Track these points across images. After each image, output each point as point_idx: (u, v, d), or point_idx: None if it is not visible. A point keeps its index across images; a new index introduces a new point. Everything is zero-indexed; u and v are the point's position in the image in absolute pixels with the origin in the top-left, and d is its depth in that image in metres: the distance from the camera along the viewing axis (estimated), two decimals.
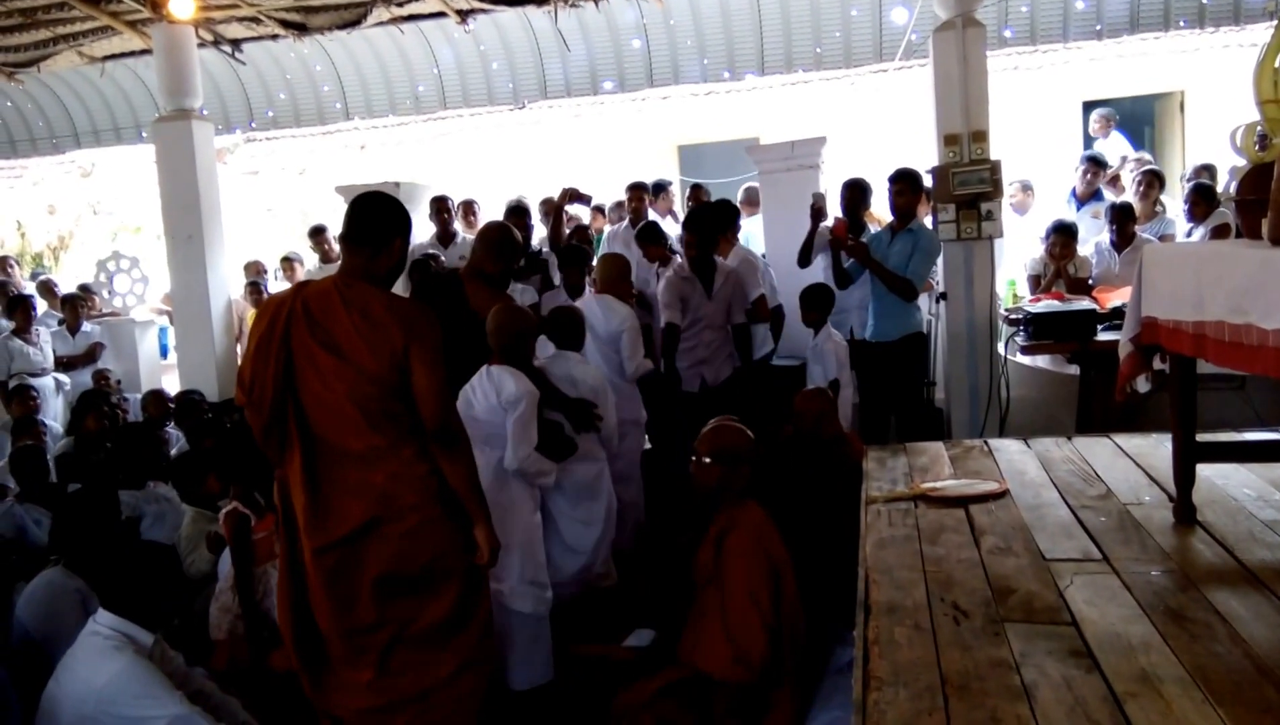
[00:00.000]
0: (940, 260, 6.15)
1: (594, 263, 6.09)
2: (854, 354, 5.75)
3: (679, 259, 5.85)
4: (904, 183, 5.54)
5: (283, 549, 3.05)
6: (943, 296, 6.19)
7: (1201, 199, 6.46)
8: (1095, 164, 7.34)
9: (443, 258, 6.93)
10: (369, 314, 2.84)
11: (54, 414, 7.32)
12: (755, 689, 3.19)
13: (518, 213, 6.97)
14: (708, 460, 3.42)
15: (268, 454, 3.02)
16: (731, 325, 5.63)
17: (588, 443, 4.27)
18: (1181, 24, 8.69)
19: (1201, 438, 3.00)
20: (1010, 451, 3.93)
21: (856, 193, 6.07)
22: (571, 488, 4.28)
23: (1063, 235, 6.40)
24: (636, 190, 7.41)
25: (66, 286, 9.52)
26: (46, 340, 8.09)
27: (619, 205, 7.98)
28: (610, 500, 4.43)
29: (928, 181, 5.96)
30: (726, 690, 3.18)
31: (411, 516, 2.91)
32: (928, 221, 6.03)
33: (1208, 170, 7.20)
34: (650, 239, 6.27)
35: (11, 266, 10.02)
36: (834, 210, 6.23)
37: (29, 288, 9.28)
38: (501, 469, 3.81)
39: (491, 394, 3.86)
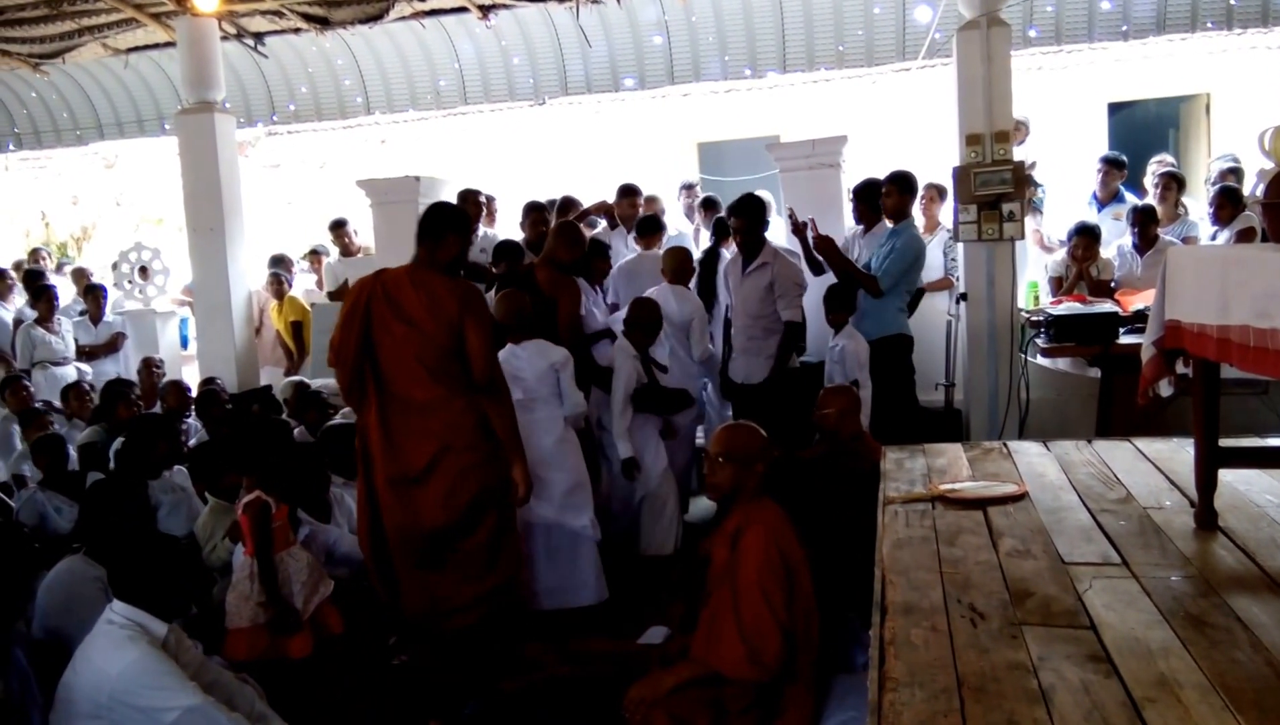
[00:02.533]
0: (961, 261, 6.15)
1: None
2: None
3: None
4: (892, 185, 5.84)
5: (361, 483, 3.83)
6: (963, 297, 6.16)
7: (1227, 201, 6.40)
8: (1112, 165, 7.29)
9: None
10: (432, 292, 3.70)
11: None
12: (769, 687, 3.18)
13: (565, 209, 7.12)
14: (721, 460, 3.43)
15: (350, 404, 3.93)
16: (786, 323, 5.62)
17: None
18: (1209, 25, 8.60)
19: (1224, 443, 2.97)
20: (1029, 454, 3.91)
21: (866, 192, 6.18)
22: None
23: (1085, 237, 6.37)
24: (629, 193, 7.48)
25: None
26: (68, 329, 8.16)
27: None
28: (660, 476, 5.34)
29: (949, 184, 5.98)
30: (740, 688, 3.18)
31: (463, 457, 3.71)
32: (946, 222, 6.05)
33: (1234, 173, 7.13)
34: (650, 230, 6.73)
35: (43, 257, 10.11)
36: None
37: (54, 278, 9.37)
38: (559, 422, 4.67)
39: (538, 361, 4.62)
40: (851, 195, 6.25)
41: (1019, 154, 6.37)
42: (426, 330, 3.68)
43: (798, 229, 6.01)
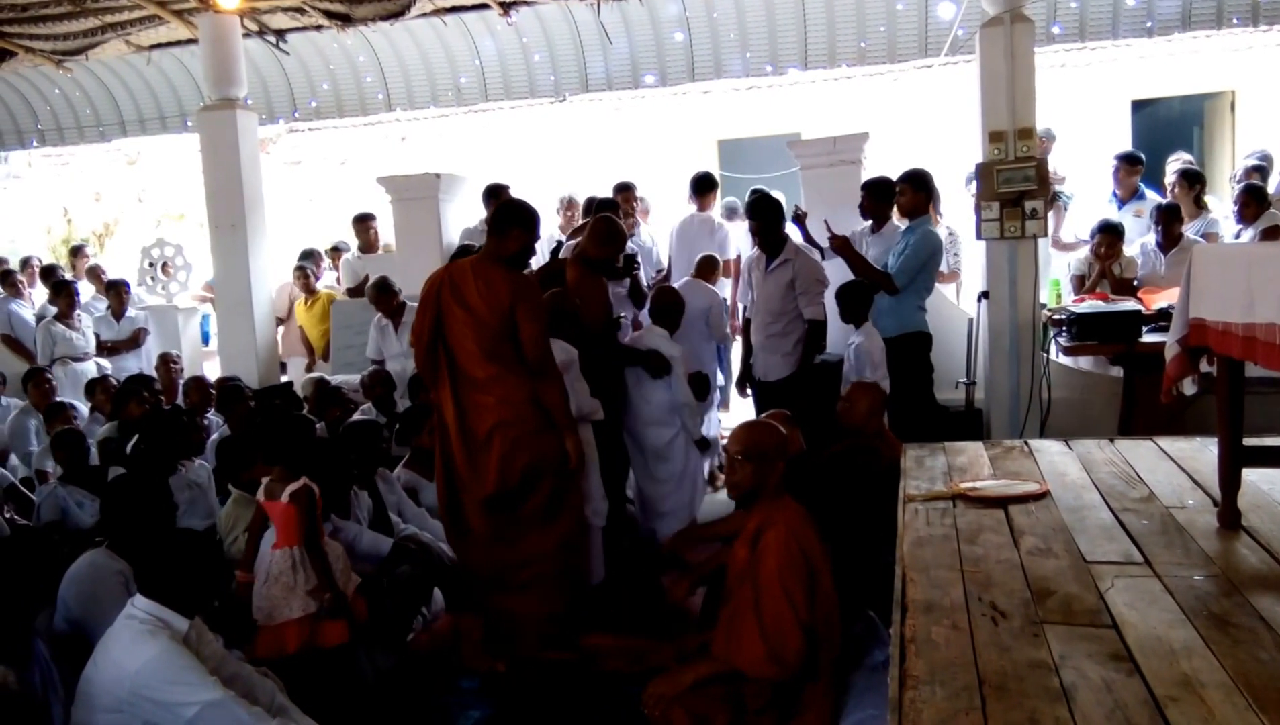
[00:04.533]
0: (983, 258, 6.12)
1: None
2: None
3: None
4: (906, 183, 5.89)
5: (438, 449, 4.28)
6: (984, 295, 6.13)
7: (1252, 200, 6.36)
8: (1128, 162, 7.25)
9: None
10: (490, 282, 4.10)
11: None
12: (789, 686, 3.18)
13: (610, 205, 6.97)
14: (740, 458, 3.42)
15: (425, 379, 4.35)
16: (808, 322, 5.67)
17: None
18: (1234, 21, 8.49)
19: (1248, 442, 2.95)
20: (1051, 453, 3.88)
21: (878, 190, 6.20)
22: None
23: (1109, 235, 6.34)
24: (625, 190, 7.47)
25: (112, 272, 9.69)
26: (88, 325, 8.22)
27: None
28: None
29: (970, 183, 5.97)
30: (760, 686, 3.17)
31: (515, 428, 4.11)
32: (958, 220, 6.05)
33: (1259, 171, 7.07)
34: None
35: (86, 256, 10.20)
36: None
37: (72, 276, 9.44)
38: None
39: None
40: (861, 192, 6.24)
41: None
42: (481, 316, 4.08)
43: (797, 217, 6.11)
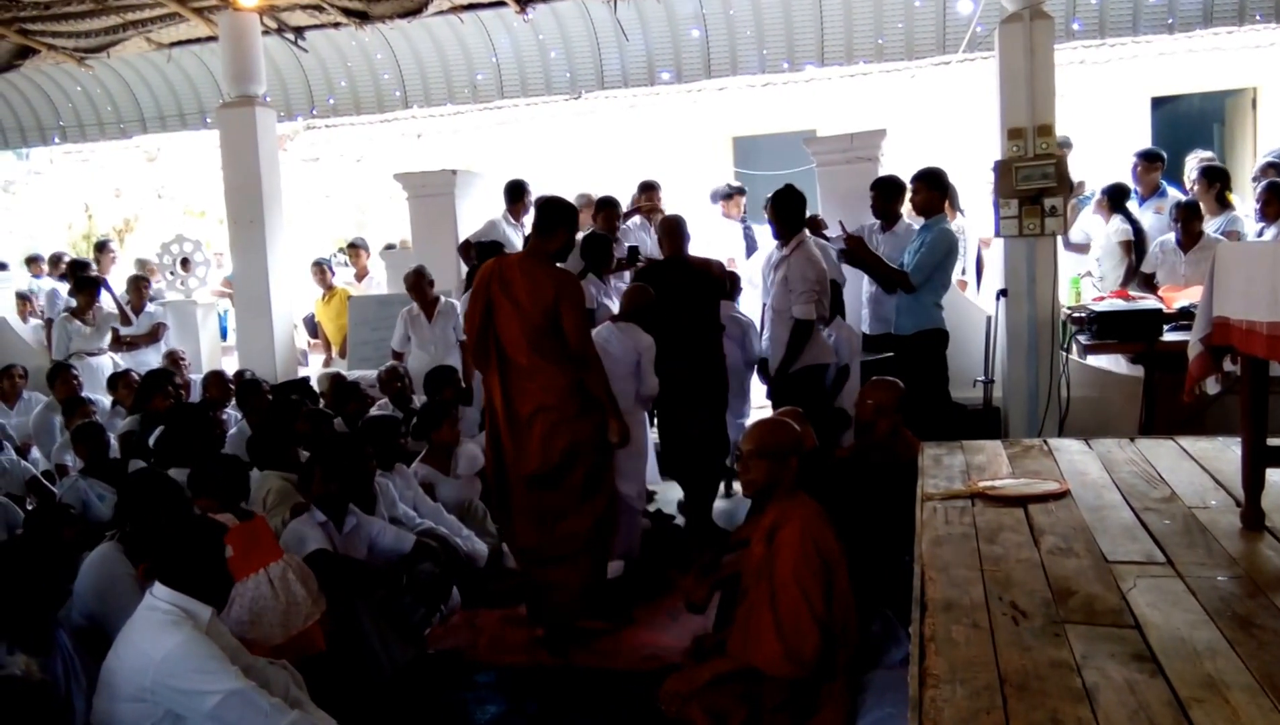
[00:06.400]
0: (1002, 256, 6.09)
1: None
2: (865, 349, 5.99)
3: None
4: (920, 182, 5.87)
5: (488, 429, 4.60)
6: (1003, 293, 6.10)
7: (1274, 197, 6.30)
8: (1146, 159, 7.21)
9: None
10: (535, 278, 4.36)
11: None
12: (806, 684, 3.17)
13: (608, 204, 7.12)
14: (754, 456, 3.42)
15: (476, 366, 4.72)
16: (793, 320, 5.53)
17: (626, 401, 5.09)
18: (1257, 17, 8.41)
19: (1273, 441, 2.92)
20: (1071, 452, 3.85)
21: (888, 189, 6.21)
22: None
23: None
24: (648, 188, 7.51)
25: (134, 269, 9.76)
26: (105, 321, 8.25)
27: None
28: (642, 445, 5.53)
29: (986, 175, 5.94)
30: (777, 684, 3.17)
31: (554, 413, 4.37)
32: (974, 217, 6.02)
33: (1276, 167, 7.01)
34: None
35: (111, 252, 10.28)
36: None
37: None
38: (630, 398, 5.07)
39: (627, 342, 5.14)
40: (871, 191, 6.22)
41: None
42: (526, 309, 4.34)
43: (815, 225, 6.05)
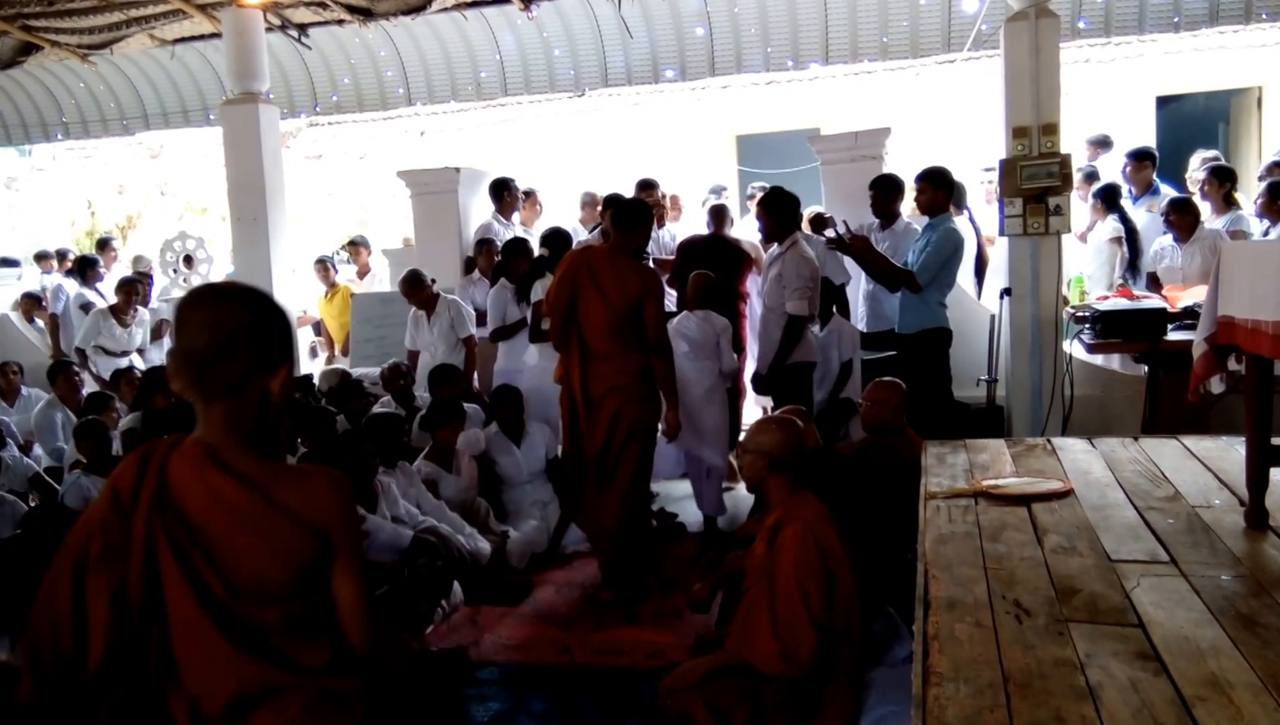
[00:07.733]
0: (1005, 254, 6.08)
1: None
2: (865, 347, 6.06)
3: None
4: (925, 181, 5.84)
5: (565, 407, 4.94)
6: (1007, 292, 6.09)
7: (1276, 198, 6.27)
8: (1137, 158, 7.22)
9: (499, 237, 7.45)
10: (622, 272, 4.73)
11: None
12: (808, 683, 3.16)
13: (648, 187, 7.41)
14: (752, 453, 3.42)
15: (557, 349, 4.95)
16: (787, 317, 5.53)
17: (711, 378, 5.67)
18: (1264, 16, 8.38)
19: (1277, 441, 2.91)
20: (1074, 451, 3.85)
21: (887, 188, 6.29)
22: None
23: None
24: (648, 187, 7.52)
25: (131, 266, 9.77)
26: (139, 324, 8.21)
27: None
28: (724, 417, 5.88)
29: (992, 176, 5.93)
30: (778, 683, 3.16)
31: (622, 395, 4.76)
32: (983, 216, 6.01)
33: (1278, 166, 6.99)
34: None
35: (113, 249, 10.31)
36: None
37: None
38: (713, 375, 5.63)
39: (705, 327, 5.62)
40: (870, 190, 6.24)
41: None
42: (612, 300, 4.70)
43: (820, 223, 6.09)
